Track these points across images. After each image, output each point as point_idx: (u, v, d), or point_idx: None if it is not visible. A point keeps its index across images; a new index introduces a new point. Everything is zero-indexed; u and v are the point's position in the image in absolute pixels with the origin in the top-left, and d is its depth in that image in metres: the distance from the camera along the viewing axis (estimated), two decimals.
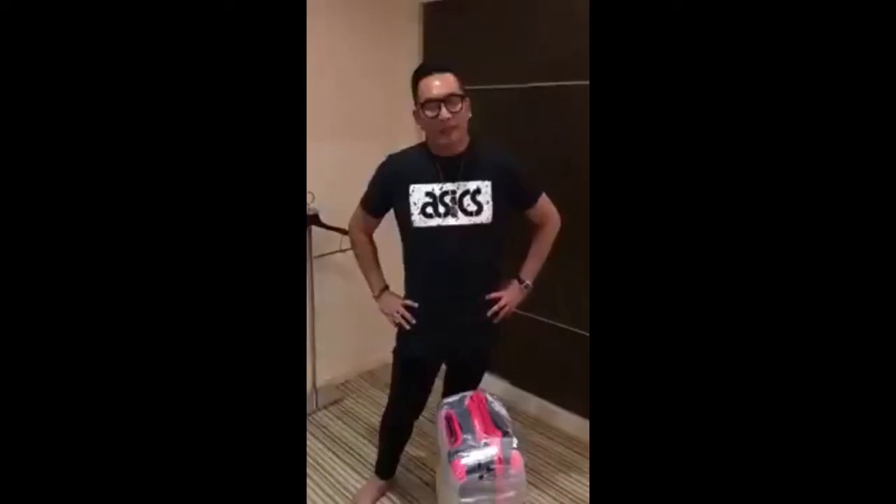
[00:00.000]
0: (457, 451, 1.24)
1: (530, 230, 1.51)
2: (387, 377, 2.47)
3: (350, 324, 2.40)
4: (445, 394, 1.53)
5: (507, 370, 2.26)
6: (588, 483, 1.79)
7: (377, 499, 1.75)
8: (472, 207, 1.34)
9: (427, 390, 1.58)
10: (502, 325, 1.50)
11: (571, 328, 2.01)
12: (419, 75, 1.32)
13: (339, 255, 2.18)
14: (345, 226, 2.19)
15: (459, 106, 1.28)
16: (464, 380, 1.55)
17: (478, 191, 1.34)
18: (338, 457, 1.98)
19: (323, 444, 2.04)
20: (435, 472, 1.77)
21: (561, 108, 1.92)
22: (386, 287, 1.54)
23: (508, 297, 1.46)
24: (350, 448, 2.02)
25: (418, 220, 1.35)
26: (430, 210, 1.34)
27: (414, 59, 2.37)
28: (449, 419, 1.35)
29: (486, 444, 1.24)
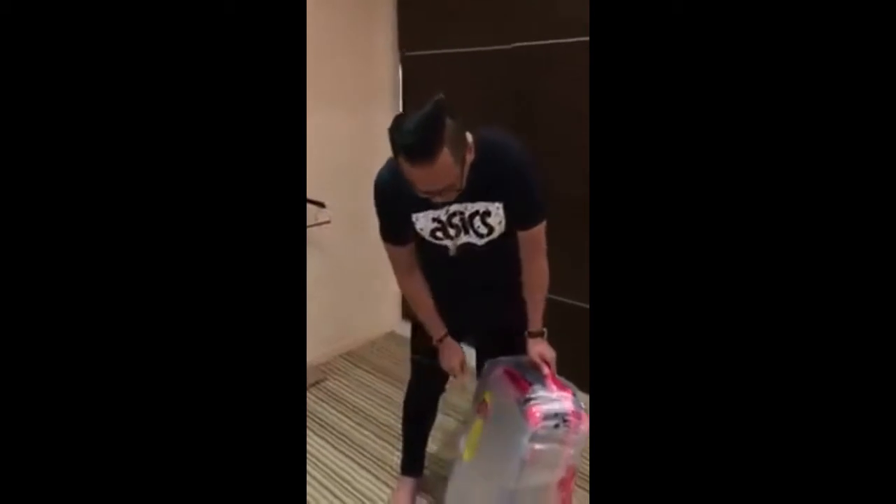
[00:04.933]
0: (532, 399, 1.17)
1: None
2: (369, 356, 2.42)
3: (328, 302, 2.28)
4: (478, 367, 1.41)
5: None
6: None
7: (413, 502, 1.58)
8: (483, 230, 1.18)
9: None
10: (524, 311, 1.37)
11: (571, 301, 1.92)
12: (397, 151, 0.96)
13: (314, 229, 2.06)
14: (320, 197, 2.11)
15: (451, 192, 1.03)
16: (494, 353, 1.39)
17: (487, 213, 1.16)
18: (327, 441, 1.84)
19: (308, 428, 1.92)
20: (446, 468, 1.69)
21: (557, 70, 1.78)
22: (446, 334, 1.34)
23: (544, 354, 1.29)
24: (339, 432, 1.89)
25: (430, 239, 1.21)
26: (439, 234, 1.19)
27: (389, 25, 2.22)
28: (510, 374, 1.28)
29: (561, 397, 1.18)
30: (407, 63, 2.23)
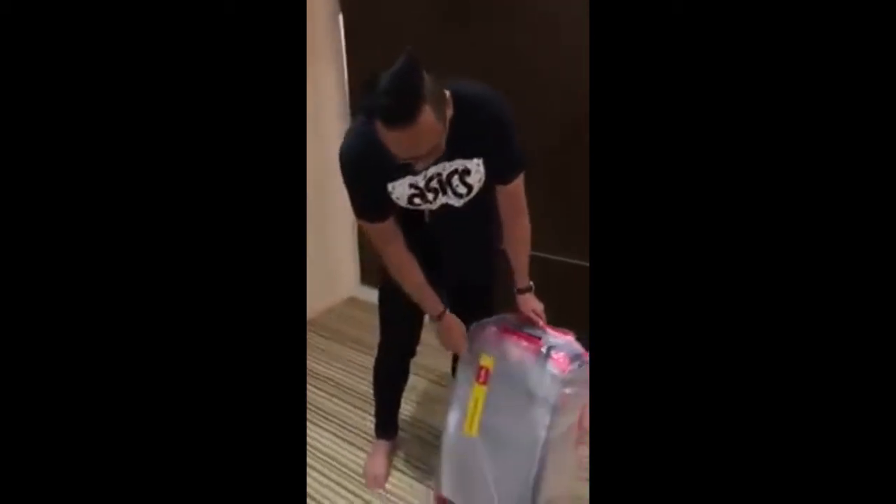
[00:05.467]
0: (553, 346, 1.18)
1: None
2: (330, 324, 2.36)
3: None
4: None
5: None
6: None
7: (389, 465, 1.56)
8: (462, 189, 1.10)
9: (418, 324, 1.41)
10: (501, 261, 1.33)
11: (569, 260, 1.85)
12: (373, 116, 0.87)
13: None
14: None
15: (435, 154, 0.94)
16: (470, 314, 1.34)
17: (466, 171, 1.07)
18: None
19: None
20: (423, 430, 1.66)
21: (511, 5, 1.67)
22: (445, 310, 1.25)
23: (535, 308, 1.27)
24: (309, 403, 1.85)
25: (406, 206, 1.11)
26: (417, 200, 1.10)
27: None
28: (509, 332, 1.26)
29: (569, 341, 1.21)
30: (348, 7, 2.07)
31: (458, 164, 1.07)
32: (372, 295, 1.48)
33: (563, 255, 1.88)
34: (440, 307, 1.24)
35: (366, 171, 1.05)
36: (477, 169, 1.08)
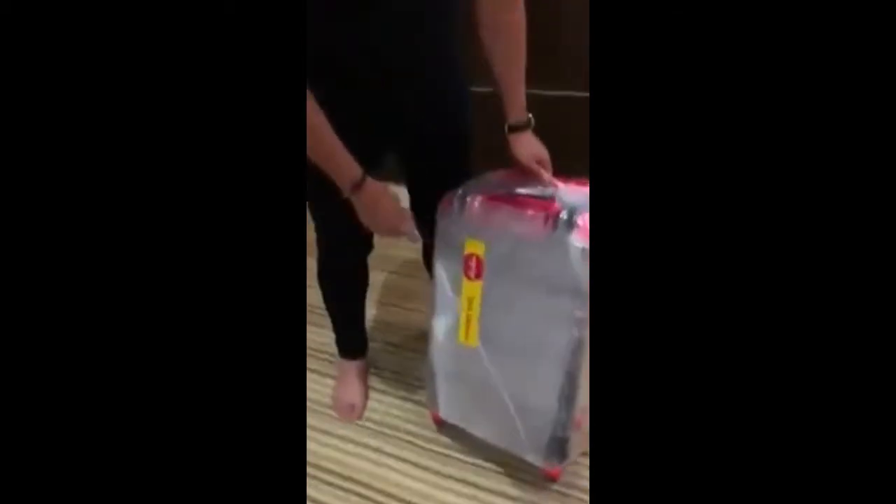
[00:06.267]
0: (576, 208, 0.81)
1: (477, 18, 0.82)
2: None
3: None
4: (415, 209, 0.94)
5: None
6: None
7: (364, 388, 1.24)
8: None
9: None
10: (471, 100, 0.94)
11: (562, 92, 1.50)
12: None
13: None
14: None
15: None
16: (439, 181, 0.94)
17: None
18: None
19: None
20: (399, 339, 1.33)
21: None
22: (364, 175, 0.82)
23: (539, 154, 0.90)
24: None
25: None
26: None
27: None
28: (501, 200, 0.87)
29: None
30: None
31: None
32: None
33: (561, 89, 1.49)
34: (356, 172, 0.81)
35: None
36: None
